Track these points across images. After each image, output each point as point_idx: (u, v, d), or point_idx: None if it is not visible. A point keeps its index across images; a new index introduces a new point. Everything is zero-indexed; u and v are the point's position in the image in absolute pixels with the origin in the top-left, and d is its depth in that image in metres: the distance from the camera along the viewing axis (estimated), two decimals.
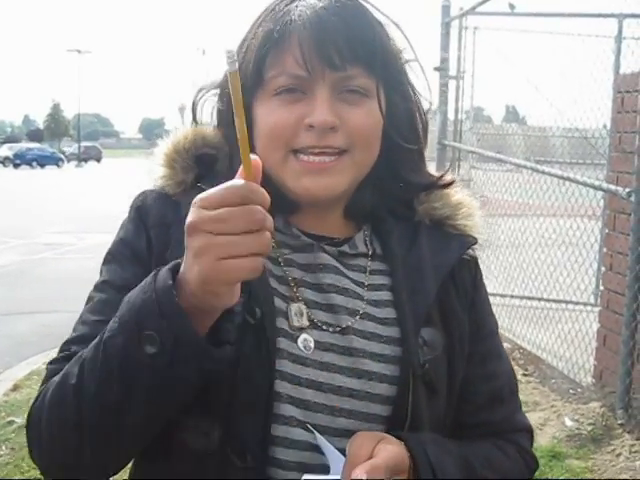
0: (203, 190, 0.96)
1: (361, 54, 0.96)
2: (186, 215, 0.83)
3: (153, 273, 0.87)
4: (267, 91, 0.98)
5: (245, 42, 1.03)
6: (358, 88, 0.98)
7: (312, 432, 0.95)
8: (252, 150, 0.92)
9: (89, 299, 1.05)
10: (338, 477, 0.90)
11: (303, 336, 0.99)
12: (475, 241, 1.11)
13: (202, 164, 1.06)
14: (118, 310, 0.89)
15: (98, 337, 0.90)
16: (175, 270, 0.86)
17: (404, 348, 1.00)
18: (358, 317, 1.02)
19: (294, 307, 1.00)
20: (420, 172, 1.10)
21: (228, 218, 0.78)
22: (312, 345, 0.98)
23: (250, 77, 0.98)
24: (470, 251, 1.12)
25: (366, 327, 1.01)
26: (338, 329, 1.00)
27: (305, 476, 0.92)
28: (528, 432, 1.14)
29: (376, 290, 1.05)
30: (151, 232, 1.03)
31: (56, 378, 0.94)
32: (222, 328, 0.88)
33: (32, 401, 1.00)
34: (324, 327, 1.00)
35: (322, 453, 0.95)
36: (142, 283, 0.88)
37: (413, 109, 1.07)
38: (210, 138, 1.09)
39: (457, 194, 1.14)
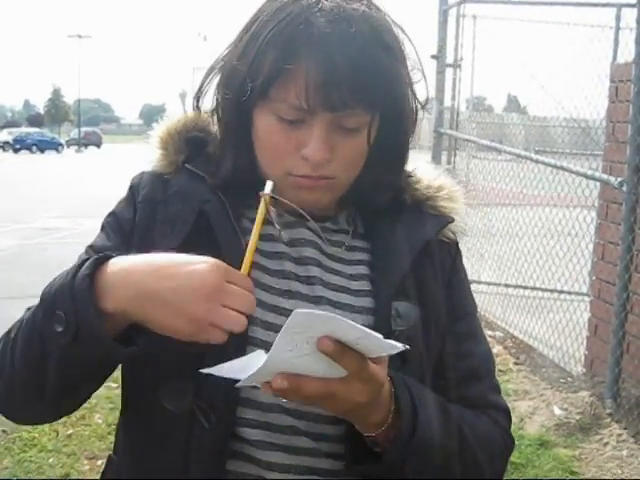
0: (190, 171, 1.10)
1: (363, 97, 0.97)
2: (178, 190, 1.05)
3: (84, 259, 0.96)
4: (269, 107, 1.00)
5: (256, 38, 1.00)
6: (353, 126, 1.00)
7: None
8: (251, 152, 1.04)
9: (77, 259, 1.11)
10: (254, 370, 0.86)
11: (278, 300, 1.04)
12: (452, 220, 1.13)
13: (192, 146, 1.13)
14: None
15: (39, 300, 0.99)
16: (101, 261, 0.94)
17: (376, 317, 1.04)
18: (332, 289, 1.07)
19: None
20: (397, 175, 1.13)
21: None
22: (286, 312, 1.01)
23: (256, 87, 0.99)
24: (451, 235, 1.15)
25: (339, 298, 1.06)
26: (312, 298, 1.05)
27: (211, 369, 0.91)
28: (504, 412, 1.14)
29: (354, 265, 1.10)
30: (138, 206, 1.11)
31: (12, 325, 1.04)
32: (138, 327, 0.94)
33: None
34: (298, 296, 1.05)
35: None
36: (75, 263, 0.96)
37: (406, 125, 1.08)
38: (200, 122, 1.15)
39: (440, 178, 1.18)
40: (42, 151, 51.11)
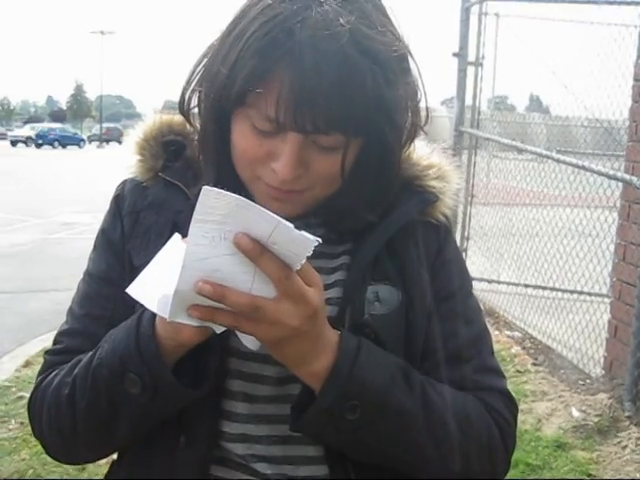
0: (164, 180, 1.07)
1: (338, 122, 0.89)
2: (152, 200, 1.02)
3: (137, 316, 0.95)
4: (245, 113, 0.93)
5: (239, 40, 0.91)
6: (329, 145, 0.93)
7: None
8: (229, 156, 0.98)
9: (77, 287, 1.14)
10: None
11: None
12: (435, 199, 1.08)
13: (169, 150, 1.10)
14: (105, 340, 0.98)
15: (89, 357, 0.99)
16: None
17: (341, 306, 1.00)
18: None
19: None
20: (383, 194, 1.05)
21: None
22: None
23: (234, 94, 0.92)
24: (441, 217, 1.10)
25: None
26: None
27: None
28: (499, 392, 1.06)
29: (336, 258, 1.05)
30: (124, 220, 1.09)
31: (55, 379, 1.04)
32: (200, 363, 0.96)
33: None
34: None
35: None
36: (127, 322, 0.97)
37: (392, 147, 0.99)
38: (176, 125, 1.12)
39: (430, 157, 1.11)
40: (64, 147, 51.62)
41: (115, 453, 1.12)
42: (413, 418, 0.95)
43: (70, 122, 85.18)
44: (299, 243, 0.80)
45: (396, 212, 1.04)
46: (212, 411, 1.00)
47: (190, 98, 1.04)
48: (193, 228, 0.79)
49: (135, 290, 0.89)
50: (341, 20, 0.87)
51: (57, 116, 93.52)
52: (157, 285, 0.86)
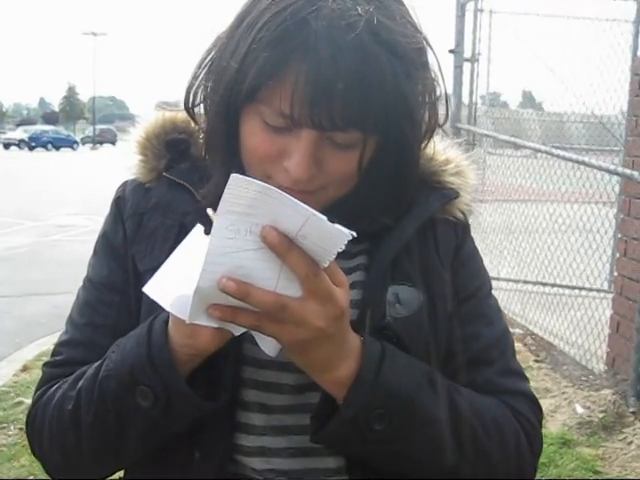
0: (168, 180, 1.01)
1: (356, 118, 0.84)
2: (157, 202, 0.94)
3: (148, 323, 0.90)
4: (255, 109, 0.88)
5: (249, 33, 0.87)
6: (345, 142, 0.88)
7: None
8: (238, 155, 0.93)
9: (77, 295, 1.07)
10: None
11: None
12: (457, 195, 1.03)
13: (173, 149, 1.04)
14: (113, 349, 0.92)
15: (94, 368, 0.93)
16: (164, 320, 0.88)
17: (361, 309, 0.95)
18: None
19: None
20: (401, 194, 1.00)
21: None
22: None
23: (245, 89, 0.86)
24: (459, 214, 1.05)
25: None
26: None
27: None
28: (523, 395, 1.02)
29: (353, 258, 1.01)
30: (127, 223, 1.03)
31: (57, 393, 0.98)
32: (216, 373, 0.91)
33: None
34: None
35: None
36: (137, 330, 0.91)
37: (411, 144, 0.95)
38: (180, 123, 1.06)
39: (447, 152, 1.07)
40: (57, 149, 51.48)
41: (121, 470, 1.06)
42: (440, 425, 0.90)
43: (63, 124, 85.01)
44: (331, 237, 0.75)
45: (415, 209, 1.00)
46: (227, 423, 0.96)
47: (196, 94, 0.98)
48: (218, 220, 0.74)
49: (152, 289, 0.83)
50: (358, 10, 0.82)
51: (50, 118, 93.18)
52: (176, 283, 0.81)
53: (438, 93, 0.95)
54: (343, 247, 0.76)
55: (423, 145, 0.99)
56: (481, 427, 0.94)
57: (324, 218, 0.74)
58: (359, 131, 0.86)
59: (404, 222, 0.99)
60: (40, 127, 61.22)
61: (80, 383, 0.94)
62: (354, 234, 0.75)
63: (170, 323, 0.87)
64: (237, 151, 0.93)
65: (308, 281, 0.77)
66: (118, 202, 1.06)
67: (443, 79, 0.95)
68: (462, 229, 1.07)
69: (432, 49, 0.92)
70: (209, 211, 0.81)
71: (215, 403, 0.90)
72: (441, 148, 1.07)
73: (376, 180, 0.94)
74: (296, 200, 0.74)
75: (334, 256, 0.77)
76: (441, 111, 0.98)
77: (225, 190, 0.73)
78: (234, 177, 0.72)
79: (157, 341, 0.87)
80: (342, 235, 0.74)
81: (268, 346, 0.84)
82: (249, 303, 0.77)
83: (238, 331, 0.84)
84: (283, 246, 0.75)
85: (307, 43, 0.81)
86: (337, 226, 0.74)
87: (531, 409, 1.02)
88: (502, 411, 0.98)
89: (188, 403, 0.88)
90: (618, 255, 4.85)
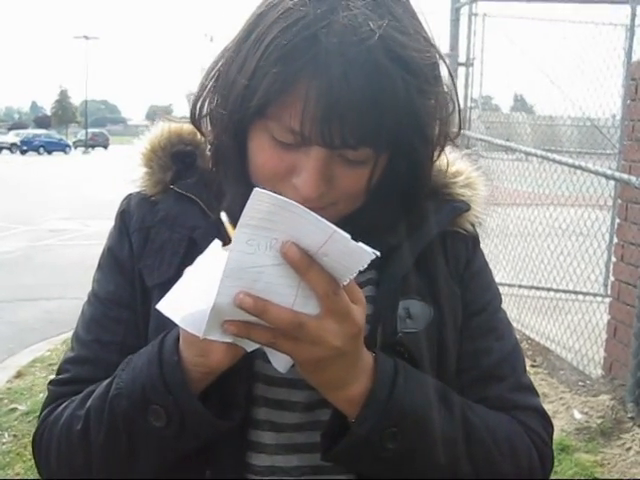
0: (175, 193, 0.98)
1: (368, 137, 0.83)
2: (164, 216, 0.91)
3: (159, 340, 0.88)
4: (264, 125, 0.86)
5: (257, 48, 0.84)
6: (356, 159, 0.86)
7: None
8: (246, 168, 0.91)
9: (82, 311, 1.05)
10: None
11: None
12: (467, 208, 1.02)
13: (179, 162, 1.02)
14: (122, 367, 0.90)
15: (104, 386, 0.91)
16: (175, 338, 0.86)
17: (372, 325, 0.93)
18: None
19: None
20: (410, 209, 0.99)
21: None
22: None
23: (254, 106, 0.85)
24: (469, 226, 1.04)
25: None
26: None
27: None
28: (534, 411, 1.01)
29: (362, 273, 0.99)
30: (133, 237, 1.01)
31: (64, 412, 0.95)
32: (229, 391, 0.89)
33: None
34: None
35: None
36: (147, 348, 0.89)
37: (423, 160, 0.93)
38: (186, 135, 1.04)
39: (456, 164, 1.06)
40: (49, 153, 51.33)
41: None
42: (453, 442, 0.89)
43: (55, 128, 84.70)
44: (354, 255, 0.73)
45: (426, 223, 0.98)
46: (238, 442, 0.93)
47: (202, 107, 0.96)
48: (238, 234, 0.72)
49: (165, 307, 0.81)
50: (371, 25, 0.80)
51: (42, 122, 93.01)
52: (191, 299, 0.79)
53: (451, 108, 0.93)
54: (365, 266, 0.74)
55: (435, 159, 0.97)
56: (494, 445, 0.93)
57: (347, 236, 0.72)
58: (371, 149, 0.85)
59: (415, 236, 0.97)
60: (32, 131, 61.16)
61: (89, 402, 0.92)
62: (377, 253, 0.73)
63: (181, 341, 0.84)
64: (244, 166, 0.91)
65: (327, 299, 0.75)
66: (123, 216, 1.04)
67: (456, 92, 0.94)
68: (472, 242, 1.05)
69: (445, 62, 0.91)
70: (223, 216, 0.80)
71: (229, 422, 0.88)
72: (451, 159, 1.05)
73: (386, 196, 0.93)
74: (319, 217, 0.72)
75: (355, 274, 0.76)
76: (453, 124, 0.96)
77: (247, 204, 0.71)
78: (257, 191, 0.71)
79: (169, 359, 0.85)
80: (365, 254, 0.73)
81: (280, 362, 0.82)
82: (266, 320, 0.75)
83: (251, 347, 0.82)
84: (303, 263, 0.73)
85: (317, 59, 0.79)
86: (361, 245, 0.73)
87: (542, 425, 1.01)
88: (514, 428, 0.97)
89: (202, 422, 0.86)
90: (615, 260, 4.84)
